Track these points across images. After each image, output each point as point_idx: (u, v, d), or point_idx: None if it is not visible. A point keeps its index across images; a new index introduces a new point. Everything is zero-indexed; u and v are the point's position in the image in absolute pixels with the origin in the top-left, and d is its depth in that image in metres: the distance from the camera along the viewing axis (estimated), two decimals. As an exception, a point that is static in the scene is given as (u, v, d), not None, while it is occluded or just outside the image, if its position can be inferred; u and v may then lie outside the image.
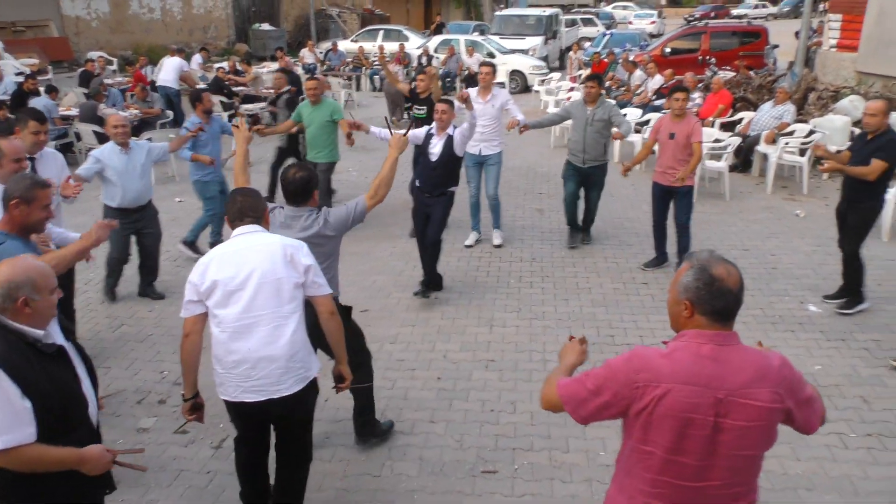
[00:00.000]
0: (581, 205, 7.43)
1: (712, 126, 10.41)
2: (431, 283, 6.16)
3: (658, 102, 11.95)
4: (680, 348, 2.02)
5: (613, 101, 7.81)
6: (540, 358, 5.16)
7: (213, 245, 7.17)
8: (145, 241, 6.12)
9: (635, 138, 11.09)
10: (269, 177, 8.70)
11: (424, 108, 7.72)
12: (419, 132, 6.18)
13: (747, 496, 2.08)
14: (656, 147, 6.76)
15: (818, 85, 11.50)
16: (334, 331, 3.21)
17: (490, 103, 7.15)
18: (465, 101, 6.31)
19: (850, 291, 5.85)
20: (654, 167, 6.77)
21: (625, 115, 7.78)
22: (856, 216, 5.66)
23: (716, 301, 2.00)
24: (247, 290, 2.92)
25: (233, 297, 2.93)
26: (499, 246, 7.45)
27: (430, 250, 6.06)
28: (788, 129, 9.53)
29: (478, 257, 7.15)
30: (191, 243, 7.21)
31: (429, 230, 6.02)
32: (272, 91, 13.54)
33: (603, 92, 7.30)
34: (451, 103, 6.01)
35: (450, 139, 5.93)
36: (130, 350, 5.31)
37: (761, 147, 9.67)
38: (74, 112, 11.27)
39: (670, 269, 6.71)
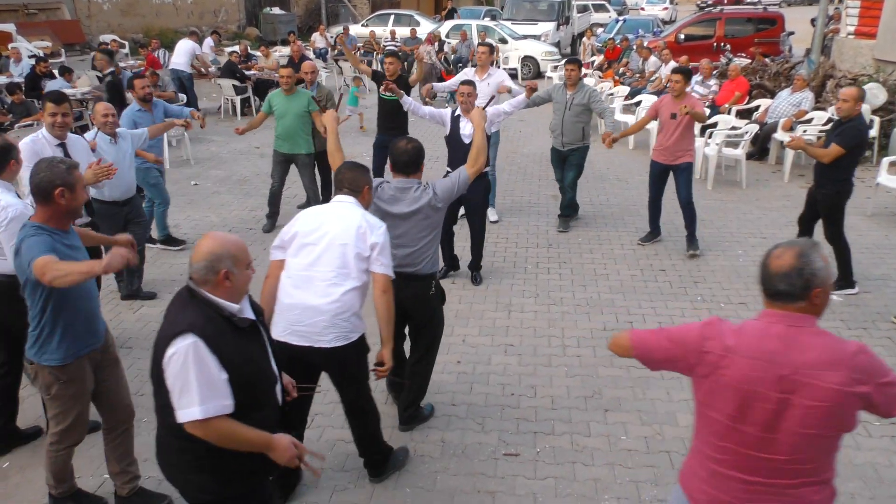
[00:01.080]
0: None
1: (728, 113, 10.33)
2: (477, 266, 6.30)
3: (673, 89, 11.84)
4: (751, 324, 2.12)
5: (593, 86, 7.78)
6: (559, 343, 5.17)
7: (162, 239, 6.86)
8: (134, 229, 5.57)
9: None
10: None
11: None
12: (444, 114, 6.17)
13: (820, 475, 2.09)
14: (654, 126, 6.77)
15: (836, 72, 11.38)
16: (382, 309, 3.33)
17: (486, 82, 7.17)
18: (531, 90, 6.29)
19: (842, 276, 5.90)
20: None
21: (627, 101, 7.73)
22: (822, 202, 5.82)
23: (763, 281, 2.11)
24: (318, 247, 3.21)
25: (304, 249, 3.24)
26: (494, 222, 7.60)
27: (478, 235, 6.18)
28: (806, 117, 9.45)
29: (493, 243, 7.14)
30: (166, 238, 6.93)
31: (475, 218, 6.11)
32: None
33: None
34: (474, 85, 5.97)
35: None
36: (151, 332, 5.32)
37: (778, 135, 9.59)
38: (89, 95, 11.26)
39: (683, 254, 6.69)
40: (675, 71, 6.69)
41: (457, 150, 6.04)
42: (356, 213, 3.30)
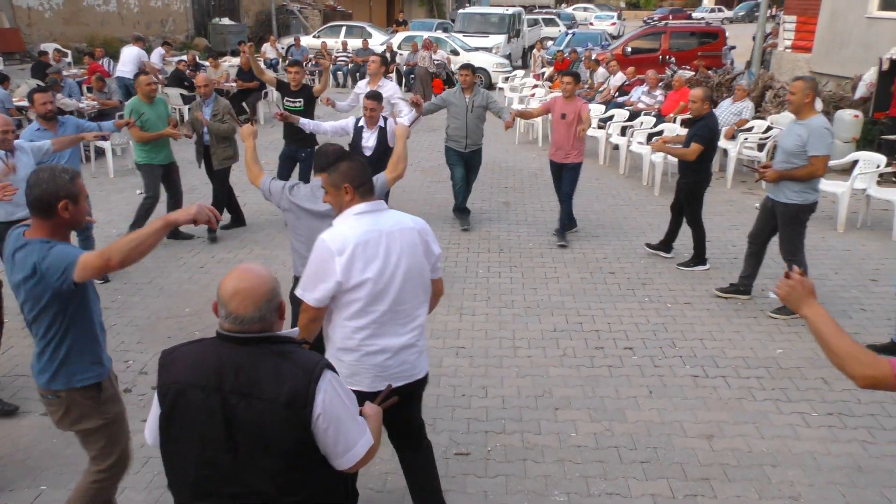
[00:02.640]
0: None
1: (674, 122, 10.60)
2: None
3: (621, 99, 12.14)
4: None
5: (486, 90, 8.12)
6: (510, 345, 5.20)
7: None
8: None
9: (599, 133, 11.27)
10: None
11: (300, 100, 7.43)
12: (347, 123, 6.23)
13: None
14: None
15: (774, 83, 11.80)
16: (434, 307, 3.20)
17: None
18: (417, 105, 6.39)
19: (696, 255, 6.65)
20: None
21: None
22: (684, 190, 6.48)
23: None
24: (394, 285, 2.78)
25: (381, 294, 2.76)
26: None
27: None
28: (747, 126, 9.77)
29: (445, 248, 7.16)
30: None
31: None
32: (235, 85, 13.41)
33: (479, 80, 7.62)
34: (379, 99, 6.01)
35: (382, 131, 6.03)
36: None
37: (721, 143, 9.86)
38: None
39: (631, 257, 6.83)
40: (565, 74, 7.22)
41: None
42: (407, 224, 2.85)
